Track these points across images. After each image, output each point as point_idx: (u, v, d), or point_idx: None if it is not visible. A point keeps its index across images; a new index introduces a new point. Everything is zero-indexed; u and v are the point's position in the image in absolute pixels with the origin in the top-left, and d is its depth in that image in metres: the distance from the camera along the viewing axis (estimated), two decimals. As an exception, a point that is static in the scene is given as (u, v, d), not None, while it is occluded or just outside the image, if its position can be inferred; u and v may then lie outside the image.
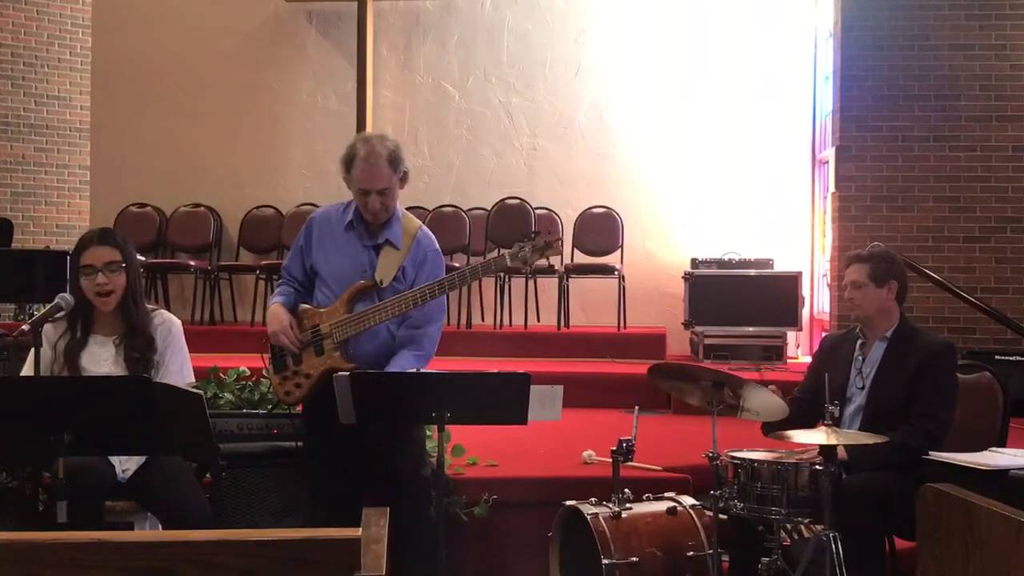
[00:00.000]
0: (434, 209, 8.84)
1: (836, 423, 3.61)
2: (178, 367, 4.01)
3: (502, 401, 3.66)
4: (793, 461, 3.73)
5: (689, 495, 4.19)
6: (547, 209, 9.10)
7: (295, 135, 9.68)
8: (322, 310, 4.00)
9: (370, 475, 4.05)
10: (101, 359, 3.93)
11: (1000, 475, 3.64)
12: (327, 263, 4.06)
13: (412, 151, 9.45)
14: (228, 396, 4.81)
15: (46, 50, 9.87)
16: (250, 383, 4.93)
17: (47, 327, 3.81)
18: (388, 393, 3.71)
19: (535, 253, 3.90)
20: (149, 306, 4.09)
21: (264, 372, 4.26)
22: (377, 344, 3.98)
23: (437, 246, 4.15)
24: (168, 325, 4.05)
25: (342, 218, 4.08)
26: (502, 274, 3.88)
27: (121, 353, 3.93)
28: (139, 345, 3.93)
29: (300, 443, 4.29)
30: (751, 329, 8.21)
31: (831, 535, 3.47)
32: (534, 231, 3.97)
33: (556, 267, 8.18)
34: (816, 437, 3.55)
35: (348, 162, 3.99)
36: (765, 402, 3.85)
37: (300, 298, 4.11)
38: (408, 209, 9.14)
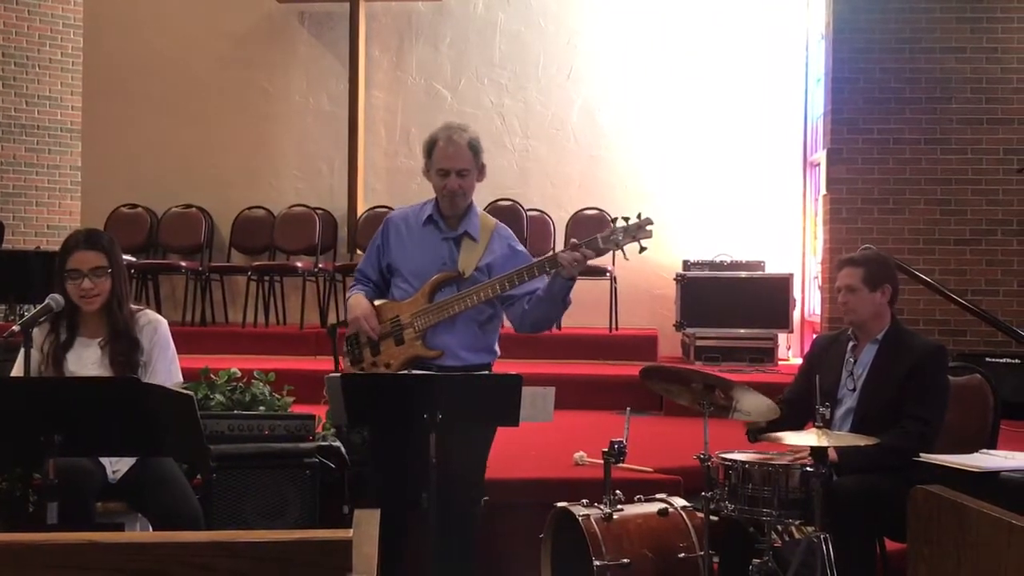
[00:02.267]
0: (426, 210, 8.80)
1: (827, 425, 3.62)
2: (165, 368, 4.00)
3: (493, 402, 3.66)
4: (784, 463, 3.73)
5: (680, 496, 4.19)
6: (539, 211, 9.11)
7: (287, 136, 9.67)
8: (401, 302, 4.01)
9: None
10: (87, 361, 3.91)
11: (991, 477, 3.66)
12: (407, 259, 4.06)
13: (404, 152, 9.46)
14: (219, 397, 4.80)
15: (37, 50, 9.87)
16: (241, 384, 4.92)
17: (34, 329, 3.79)
18: (379, 394, 3.70)
19: (627, 236, 3.87)
20: (135, 307, 4.07)
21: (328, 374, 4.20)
22: (458, 333, 3.97)
23: (517, 240, 4.18)
24: (154, 325, 4.03)
25: (420, 214, 4.11)
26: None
27: (107, 356, 3.91)
28: (124, 348, 3.91)
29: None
30: (742, 331, 8.23)
31: (822, 537, 3.47)
32: (624, 216, 3.92)
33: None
34: (807, 439, 3.56)
35: (429, 147, 4.07)
36: (756, 403, 3.86)
37: (376, 295, 4.12)
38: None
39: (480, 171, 4.10)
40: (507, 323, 4.19)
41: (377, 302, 4.06)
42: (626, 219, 3.90)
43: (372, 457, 4.27)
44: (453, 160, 4.00)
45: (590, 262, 4.01)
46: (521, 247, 4.19)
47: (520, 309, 4.00)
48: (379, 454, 4.15)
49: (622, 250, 3.92)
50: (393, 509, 3.79)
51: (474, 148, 4.04)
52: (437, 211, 4.08)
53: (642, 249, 3.94)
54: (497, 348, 4.15)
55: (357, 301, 4.05)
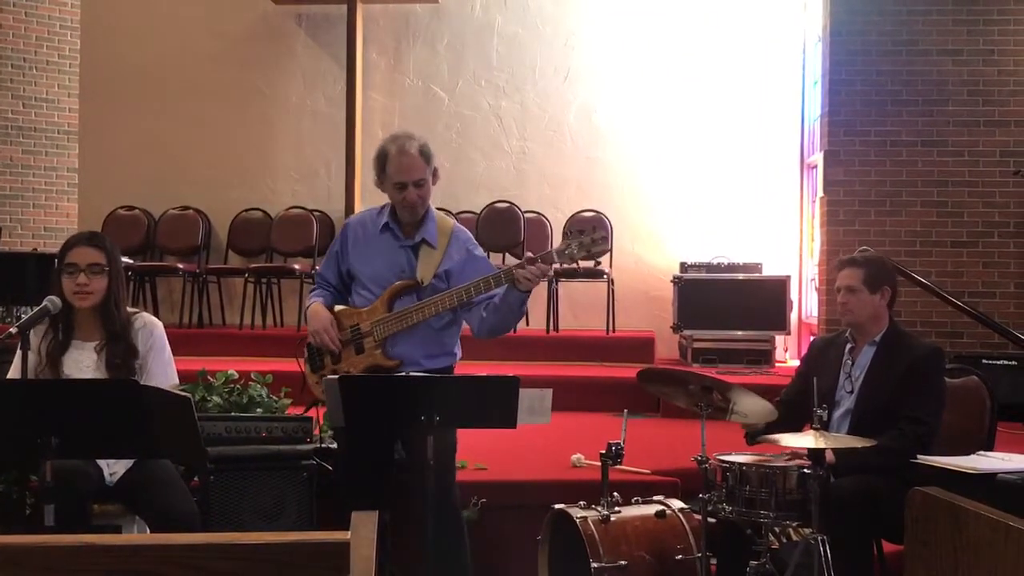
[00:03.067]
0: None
1: (824, 427, 3.62)
2: (162, 370, 4.00)
3: (491, 404, 3.66)
4: (781, 464, 3.73)
5: (678, 498, 4.19)
6: (536, 213, 9.11)
7: (284, 138, 9.67)
8: (361, 309, 4.04)
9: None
10: (82, 364, 3.91)
11: (988, 479, 3.65)
12: (365, 265, 4.10)
13: (401, 154, 9.45)
14: (216, 399, 4.80)
15: (34, 52, 9.84)
16: (238, 386, 4.92)
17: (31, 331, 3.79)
18: (376, 396, 3.70)
19: (582, 250, 3.88)
20: (131, 309, 4.07)
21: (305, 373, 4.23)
22: (417, 342, 4.00)
23: (475, 242, 4.21)
24: (150, 328, 4.03)
25: (377, 221, 4.12)
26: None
27: (103, 358, 3.91)
28: (120, 350, 3.91)
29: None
30: (740, 333, 8.23)
31: (819, 538, 3.47)
32: (580, 229, 3.94)
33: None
34: (804, 441, 3.56)
35: (381, 161, 4.04)
36: (753, 405, 3.86)
37: (336, 300, 4.16)
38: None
39: (434, 176, 4.09)
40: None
41: (337, 308, 4.10)
42: (581, 231, 3.92)
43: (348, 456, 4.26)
44: (408, 172, 3.99)
45: (584, 264, 4.01)
46: (479, 251, 4.20)
47: (478, 316, 4.02)
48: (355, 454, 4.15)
49: (576, 263, 3.99)
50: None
51: (426, 155, 4.03)
52: (394, 218, 4.10)
53: (597, 263, 4.00)
54: (457, 350, 4.18)
55: (316, 312, 4.09)
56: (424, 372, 3.95)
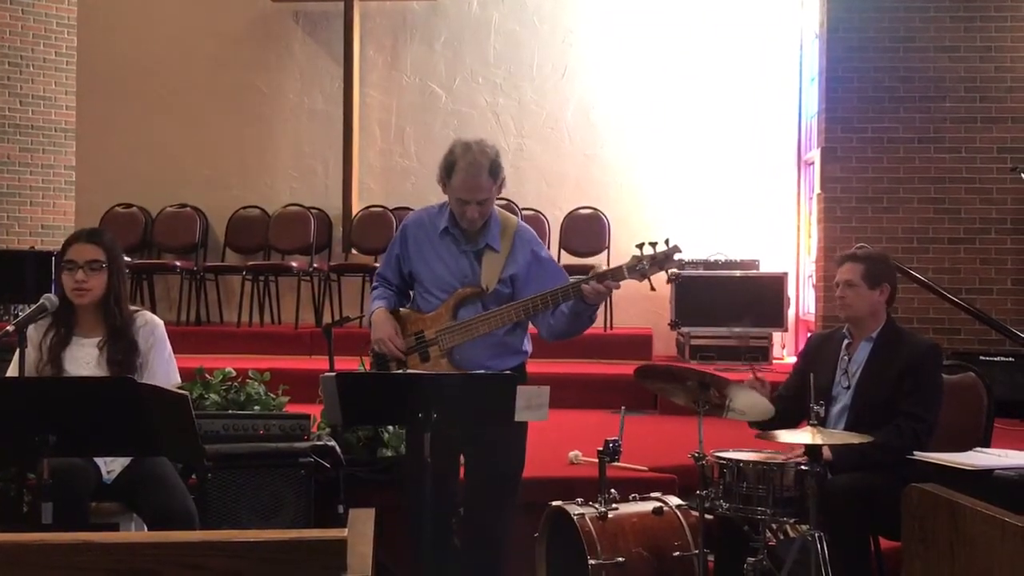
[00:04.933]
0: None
1: (821, 423, 3.62)
2: (163, 369, 4.00)
3: (488, 402, 3.65)
4: (779, 461, 3.74)
5: (675, 495, 4.20)
6: (534, 210, 9.11)
7: (282, 136, 9.67)
8: (425, 315, 3.93)
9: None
10: (83, 361, 3.91)
11: (985, 475, 3.66)
12: (427, 270, 3.97)
13: (399, 152, 9.47)
14: (214, 397, 4.80)
15: (31, 50, 9.84)
16: (236, 384, 4.92)
17: (30, 328, 3.79)
18: (374, 394, 3.70)
19: (654, 266, 3.75)
20: (132, 307, 4.07)
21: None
22: (482, 347, 3.90)
23: (540, 242, 4.09)
24: (151, 326, 4.03)
25: (436, 223, 3.99)
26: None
27: (104, 356, 3.91)
28: (121, 348, 3.91)
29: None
30: (737, 330, 8.23)
31: (816, 535, 3.48)
32: (651, 241, 3.74)
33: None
34: (801, 437, 3.56)
35: (448, 169, 3.87)
36: (751, 402, 3.86)
37: (399, 300, 4.06)
38: (395, 211, 9.18)
39: (500, 187, 3.95)
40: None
41: (402, 311, 4.01)
42: (653, 244, 3.75)
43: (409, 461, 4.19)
44: (474, 191, 3.82)
45: (582, 262, 3.98)
46: (545, 252, 4.09)
47: (546, 322, 3.93)
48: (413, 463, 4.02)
49: (648, 280, 3.77)
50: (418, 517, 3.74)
51: (494, 172, 3.86)
52: (454, 223, 3.95)
53: (670, 280, 3.81)
54: (527, 346, 4.07)
55: (379, 320, 3.96)
56: (493, 372, 3.82)
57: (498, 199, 4.10)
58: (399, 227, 4.17)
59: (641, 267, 3.73)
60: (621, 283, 3.79)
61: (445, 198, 3.97)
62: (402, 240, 4.07)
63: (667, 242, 3.77)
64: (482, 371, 3.78)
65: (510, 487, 3.97)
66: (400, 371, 3.91)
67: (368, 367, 4.10)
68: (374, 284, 4.22)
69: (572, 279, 3.90)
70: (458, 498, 3.99)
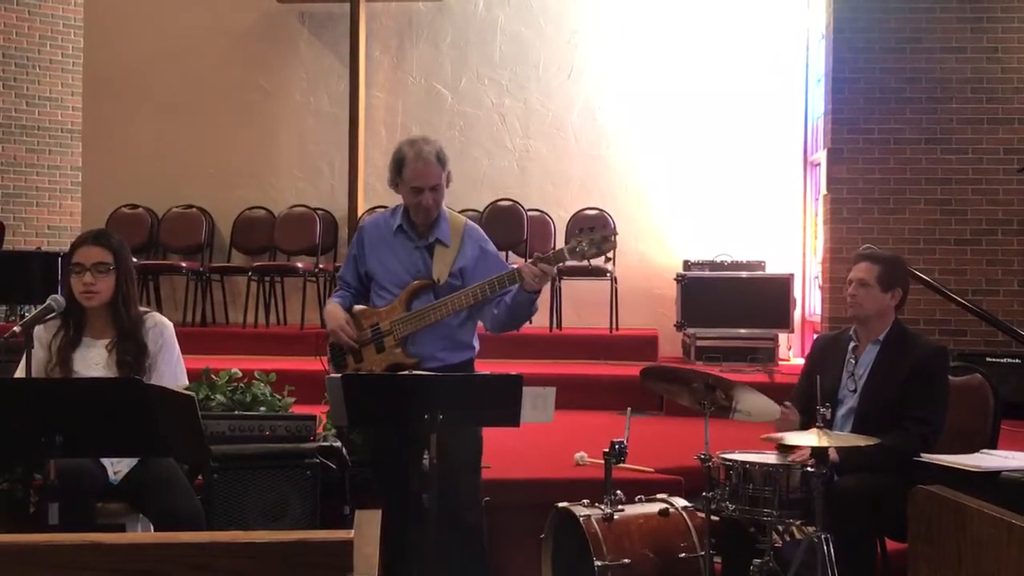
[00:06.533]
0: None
1: (828, 425, 3.61)
2: (171, 370, 4.01)
3: (494, 403, 3.66)
4: (785, 463, 3.73)
5: (681, 497, 4.19)
6: (540, 211, 9.11)
7: (287, 136, 9.67)
8: (380, 309, 4.11)
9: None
10: (92, 362, 3.92)
11: (991, 477, 3.65)
12: (382, 267, 4.17)
13: (404, 152, 9.45)
14: (220, 398, 4.80)
15: (38, 51, 9.86)
16: (242, 385, 4.93)
17: (39, 329, 3.80)
18: (379, 395, 3.71)
19: (592, 247, 3.93)
20: (141, 308, 4.09)
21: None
22: (435, 338, 4.06)
23: (487, 238, 4.26)
24: (160, 328, 4.05)
25: (391, 223, 4.20)
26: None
27: (113, 357, 3.93)
28: (131, 349, 3.93)
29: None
30: (743, 331, 8.23)
31: (823, 537, 3.47)
32: (589, 226, 4.00)
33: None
34: (808, 439, 3.56)
35: (398, 164, 4.12)
36: (757, 404, 3.86)
37: (356, 301, 4.24)
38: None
39: (448, 179, 4.16)
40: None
41: (356, 308, 4.18)
42: (591, 228, 3.98)
43: (373, 458, 4.35)
44: (425, 177, 4.06)
45: (587, 263, 4.05)
46: (491, 247, 4.27)
47: (490, 313, 4.10)
48: (380, 455, 4.25)
49: (587, 260, 4.02)
50: (396, 509, 3.83)
51: (442, 161, 4.10)
52: (407, 220, 4.17)
53: (607, 260, 4.05)
54: (475, 343, 4.24)
55: (331, 312, 4.17)
56: (444, 366, 4.00)
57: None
58: (357, 230, 4.38)
59: (580, 248, 3.91)
60: (556, 266, 3.97)
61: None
62: (359, 242, 4.29)
63: (604, 226, 4.12)
64: (434, 363, 4.01)
65: (474, 473, 4.12)
66: (355, 363, 4.07)
67: (326, 367, 4.19)
68: (336, 288, 4.41)
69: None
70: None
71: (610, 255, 4.06)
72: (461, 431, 3.95)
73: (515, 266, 4.07)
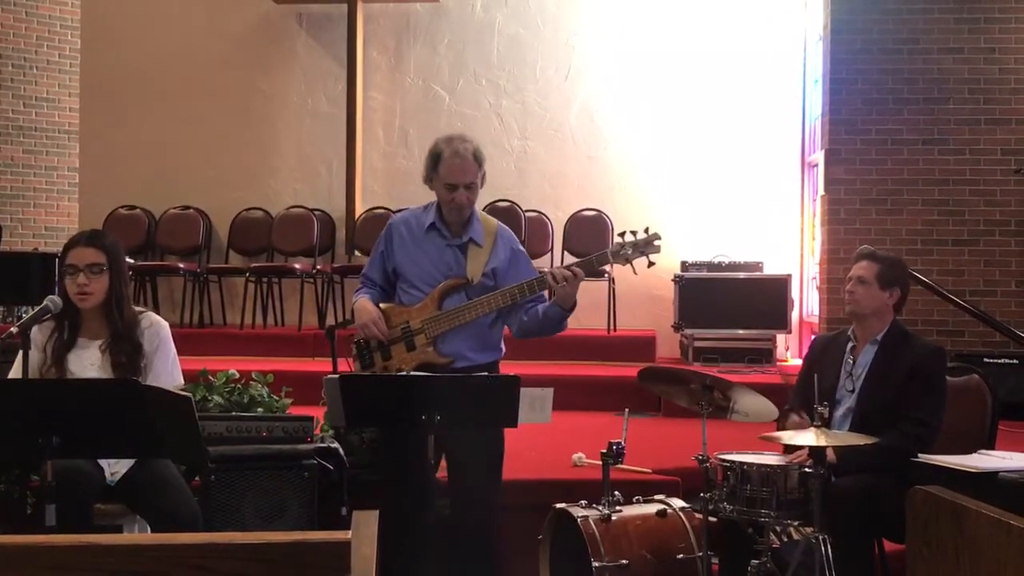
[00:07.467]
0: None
1: (826, 425, 3.61)
2: (167, 370, 4.01)
3: (492, 404, 3.66)
4: (783, 463, 3.73)
5: (679, 497, 4.19)
6: (538, 212, 9.11)
7: (285, 137, 9.67)
8: (410, 307, 4.07)
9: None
10: (87, 363, 3.92)
11: (989, 477, 3.65)
12: (412, 265, 4.12)
13: (402, 154, 9.47)
14: (217, 399, 4.80)
15: (35, 52, 9.85)
16: (239, 386, 4.92)
17: (34, 330, 3.79)
18: (377, 396, 3.70)
19: (636, 252, 3.95)
20: (137, 308, 4.08)
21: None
22: (466, 338, 4.05)
23: (517, 240, 4.27)
24: (156, 328, 4.04)
25: (422, 220, 4.16)
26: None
27: (108, 358, 3.92)
28: (126, 350, 3.92)
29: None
30: (741, 332, 8.23)
31: (820, 537, 3.48)
32: (632, 230, 3.99)
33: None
34: (806, 439, 3.56)
35: (434, 160, 4.08)
36: (755, 404, 3.86)
37: (381, 299, 4.18)
38: (398, 211, 9.18)
39: (482, 179, 4.14)
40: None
41: (383, 306, 4.11)
42: (634, 233, 3.99)
43: (372, 459, 4.35)
44: (462, 175, 4.03)
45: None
46: (520, 247, 4.26)
47: (519, 319, 4.10)
48: (384, 457, 4.24)
49: (631, 264, 4.03)
50: (396, 512, 3.83)
51: (479, 159, 4.07)
52: (440, 218, 4.13)
53: (651, 264, 4.02)
54: (503, 345, 4.23)
55: (363, 306, 4.10)
56: (472, 366, 4.00)
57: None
58: (384, 227, 4.29)
59: (624, 252, 3.96)
60: (585, 272, 4.01)
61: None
62: (387, 238, 4.22)
63: (647, 230, 4.04)
64: (463, 362, 4.00)
65: (494, 476, 4.09)
66: (382, 360, 4.05)
67: (352, 367, 4.16)
68: (358, 286, 4.33)
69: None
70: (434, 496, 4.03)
71: (653, 258, 4.03)
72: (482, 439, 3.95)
73: (546, 270, 4.07)
